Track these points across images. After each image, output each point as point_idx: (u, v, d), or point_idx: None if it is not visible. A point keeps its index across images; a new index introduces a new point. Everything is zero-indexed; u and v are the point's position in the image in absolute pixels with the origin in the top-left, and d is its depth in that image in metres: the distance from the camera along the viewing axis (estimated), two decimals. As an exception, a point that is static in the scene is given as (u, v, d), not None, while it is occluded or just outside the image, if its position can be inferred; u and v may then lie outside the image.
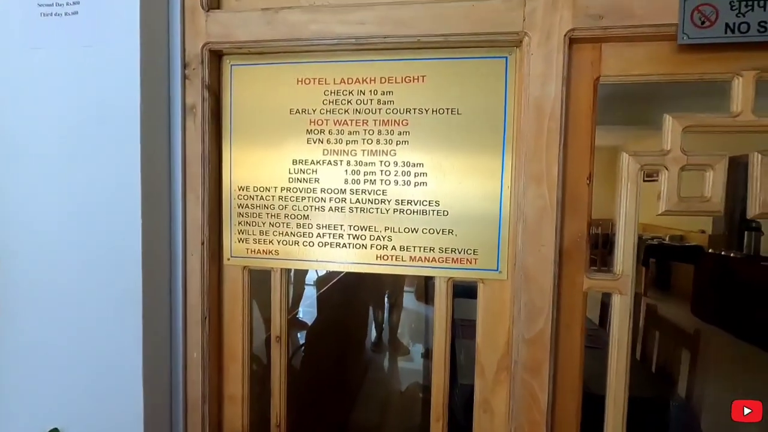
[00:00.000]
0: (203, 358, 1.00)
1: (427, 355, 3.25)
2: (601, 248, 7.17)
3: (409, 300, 4.03)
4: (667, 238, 6.64)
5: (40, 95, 0.88)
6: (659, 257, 6.28)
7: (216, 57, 0.99)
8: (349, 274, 2.94)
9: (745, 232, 4.84)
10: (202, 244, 0.99)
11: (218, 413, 1.06)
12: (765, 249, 4.71)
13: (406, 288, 4.03)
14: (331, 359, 2.42)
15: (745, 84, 0.82)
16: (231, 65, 1.00)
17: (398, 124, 0.95)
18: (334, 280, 2.63)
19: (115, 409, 0.92)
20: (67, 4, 0.87)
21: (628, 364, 0.90)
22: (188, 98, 0.96)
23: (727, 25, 0.78)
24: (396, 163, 0.95)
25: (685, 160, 0.85)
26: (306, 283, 3.60)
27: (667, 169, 0.85)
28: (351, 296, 2.89)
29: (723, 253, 4.95)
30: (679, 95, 0.90)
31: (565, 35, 0.83)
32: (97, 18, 0.87)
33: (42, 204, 0.89)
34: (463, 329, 2.15)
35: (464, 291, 1.26)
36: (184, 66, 0.96)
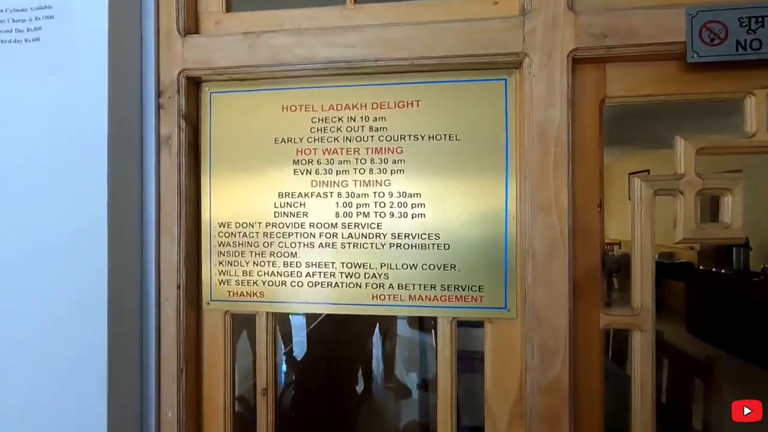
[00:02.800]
0: (179, 418, 0.89)
1: (424, 386, 3.11)
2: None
3: (401, 326, 3.89)
4: (657, 256, 6.66)
5: (3, 126, 0.79)
6: (651, 275, 6.27)
7: (194, 84, 0.92)
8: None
9: (733, 248, 4.87)
10: (178, 287, 0.89)
11: (197, 479, 0.94)
12: (753, 264, 4.74)
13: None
14: (324, 397, 2.28)
15: (758, 103, 0.78)
16: (210, 92, 0.92)
17: (392, 152, 0.88)
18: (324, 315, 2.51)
19: (74, 484, 0.79)
20: (28, 30, 0.79)
21: (654, 409, 0.82)
22: (163, 128, 0.88)
23: (738, 42, 0.74)
24: (391, 194, 0.87)
25: (702, 184, 0.79)
26: (296, 312, 3.46)
27: (682, 193, 0.80)
28: (343, 329, 2.77)
29: (713, 269, 4.96)
30: (688, 114, 0.87)
31: (567, 55, 0.78)
32: (61, 44, 0.79)
33: (-7, 250, 0.79)
34: (461, 362, 2.04)
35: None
36: (159, 94, 0.88)
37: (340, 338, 2.64)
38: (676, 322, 5.48)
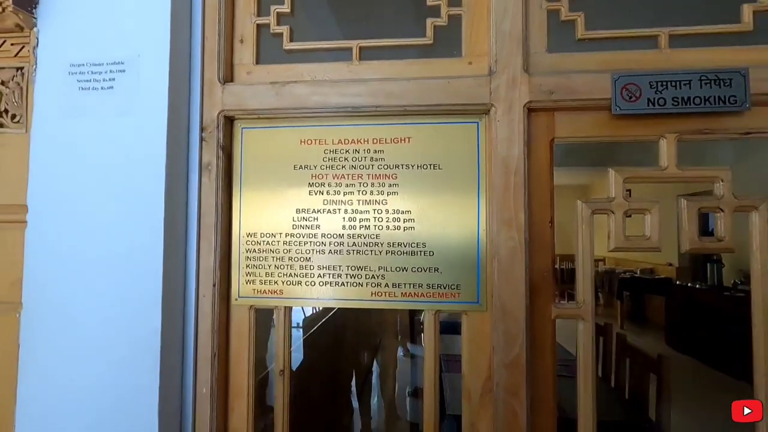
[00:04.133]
0: (212, 395, 1.08)
1: (414, 393, 3.27)
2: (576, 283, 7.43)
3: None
4: (638, 272, 6.93)
5: (76, 158, 1.00)
6: (632, 290, 6.53)
7: (229, 122, 1.14)
8: (337, 314, 3.01)
9: (708, 264, 5.15)
10: (214, 285, 1.09)
11: (223, 448, 1.12)
12: (726, 279, 5.00)
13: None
14: (319, 402, 2.44)
15: (668, 144, 1.02)
16: (242, 128, 1.15)
17: (388, 178, 1.10)
18: (323, 321, 2.70)
19: (129, 444, 0.98)
20: (104, 80, 1.01)
21: (594, 382, 1.03)
22: (205, 157, 1.10)
23: (648, 99, 0.99)
24: (387, 211, 1.09)
25: (627, 206, 1.03)
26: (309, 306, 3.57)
27: (613, 212, 1.03)
28: (340, 338, 2.94)
29: (689, 284, 5.23)
30: (624, 146, 1.10)
31: (524, 106, 1.02)
32: (130, 91, 1.01)
33: (72, 252, 0.99)
34: (447, 363, 2.24)
35: (446, 327, 1.39)
36: (202, 130, 1.11)
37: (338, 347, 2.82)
38: (656, 335, 5.71)
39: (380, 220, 1.10)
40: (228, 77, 1.14)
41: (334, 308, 3.07)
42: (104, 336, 0.99)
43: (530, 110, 1.03)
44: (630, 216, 1.03)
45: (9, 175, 1.04)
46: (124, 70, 1.02)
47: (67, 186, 1.00)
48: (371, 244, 1.10)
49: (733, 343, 3.97)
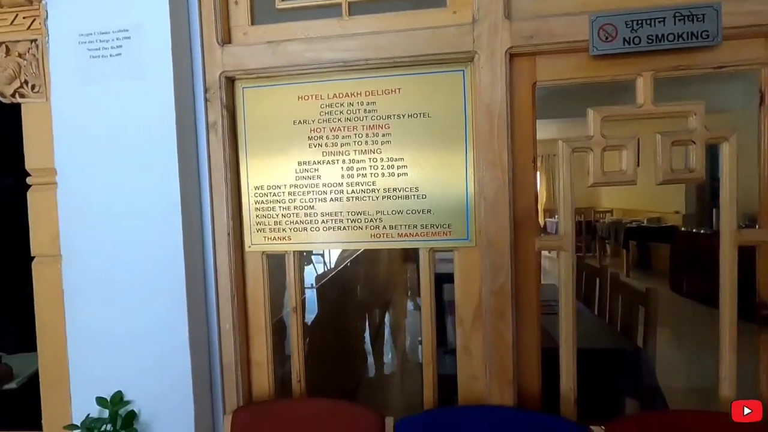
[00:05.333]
0: (234, 330, 1.22)
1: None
2: (585, 234, 7.52)
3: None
4: (645, 221, 6.97)
5: (95, 122, 1.10)
6: (639, 239, 6.59)
7: (230, 82, 1.21)
8: (348, 271, 3.15)
9: (713, 210, 5.17)
10: (228, 235, 1.21)
11: (248, 377, 1.28)
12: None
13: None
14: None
15: (645, 82, 1.08)
16: (243, 88, 1.22)
17: (381, 128, 1.18)
18: (333, 273, 2.85)
19: (167, 373, 1.13)
20: (112, 47, 1.09)
21: (574, 306, 1.14)
22: (210, 116, 1.19)
23: (624, 39, 1.03)
24: (382, 159, 1.18)
25: (605, 143, 1.10)
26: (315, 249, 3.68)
27: (592, 150, 1.10)
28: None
29: (694, 230, 5.28)
30: (606, 92, 1.15)
31: (506, 52, 1.08)
32: (136, 57, 1.09)
33: (101, 208, 1.10)
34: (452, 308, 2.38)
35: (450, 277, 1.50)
36: (206, 90, 1.18)
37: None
38: (662, 281, 5.84)
39: (375, 168, 1.19)
40: (226, 39, 1.20)
41: (343, 264, 3.23)
42: (135, 281, 1.12)
43: (512, 56, 1.09)
44: (606, 150, 1.10)
45: (36, 141, 1.14)
46: (129, 37, 1.09)
47: (89, 148, 1.10)
48: (368, 191, 1.19)
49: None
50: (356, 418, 1.15)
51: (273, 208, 1.24)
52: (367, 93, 1.18)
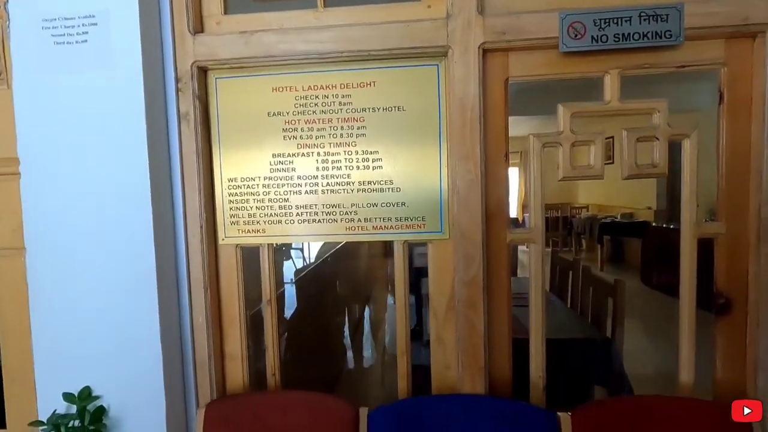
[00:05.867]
0: (207, 322, 1.21)
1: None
2: (561, 229, 7.70)
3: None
4: (618, 217, 7.17)
5: (60, 111, 1.06)
6: (612, 234, 6.79)
7: (203, 72, 1.19)
8: (327, 266, 3.15)
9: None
10: (201, 227, 1.19)
11: (222, 370, 1.27)
12: (699, 219, 5.23)
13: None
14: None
15: (612, 79, 1.11)
16: (216, 78, 1.21)
17: (356, 121, 1.18)
18: (312, 266, 2.84)
19: (138, 367, 1.11)
20: (77, 33, 1.06)
21: (544, 296, 1.18)
22: (182, 107, 1.17)
23: (592, 37, 1.06)
24: (357, 152, 1.19)
25: (574, 138, 1.13)
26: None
27: (561, 145, 1.13)
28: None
29: (664, 225, 5.47)
30: (577, 90, 1.19)
31: (479, 47, 1.09)
32: (103, 44, 1.06)
33: (67, 199, 1.07)
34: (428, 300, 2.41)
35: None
36: (177, 80, 1.16)
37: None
38: (633, 274, 6.04)
39: (350, 161, 1.19)
40: (198, 28, 1.18)
41: (322, 259, 3.22)
42: (104, 273, 1.09)
43: (485, 51, 1.11)
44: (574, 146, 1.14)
45: (1, 128, 1.10)
46: (96, 23, 1.06)
47: (54, 138, 1.07)
48: (343, 184, 1.19)
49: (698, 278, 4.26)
50: (330, 409, 1.16)
51: (247, 201, 1.23)
52: (342, 86, 1.18)
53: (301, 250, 5.31)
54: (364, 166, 1.19)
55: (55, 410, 1.08)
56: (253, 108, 1.20)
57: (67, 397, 1.08)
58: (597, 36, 1.06)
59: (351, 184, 1.19)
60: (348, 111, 1.18)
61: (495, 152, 1.15)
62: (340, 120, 1.18)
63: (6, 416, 1.17)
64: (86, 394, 1.10)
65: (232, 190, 1.23)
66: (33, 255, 1.09)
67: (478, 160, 1.11)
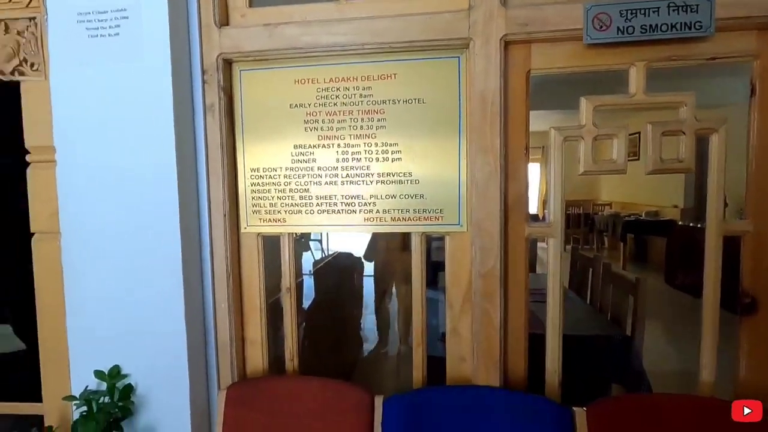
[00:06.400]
0: (229, 308, 1.25)
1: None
2: (583, 226, 7.55)
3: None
4: (643, 215, 6.99)
5: (93, 102, 1.11)
6: (636, 232, 6.62)
7: (228, 64, 1.22)
8: (344, 258, 3.18)
9: (711, 204, 5.19)
10: (224, 216, 1.23)
11: (242, 354, 1.31)
12: (728, 218, 5.05)
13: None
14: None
15: (637, 72, 1.09)
16: (240, 70, 1.23)
17: (377, 113, 1.19)
18: (329, 258, 2.88)
19: (164, 348, 1.16)
20: (110, 27, 1.10)
21: (561, 291, 1.17)
22: (207, 98, 1.20)
23: (618, 28, 1.04)
24: (376, 144, 1.20)
25: (596, 132, 1.11)
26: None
27: (583, 139, 1.12)
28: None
29: (691, 224, 5.30)
30: (604, 83, 1.16)
31: (500, 39, 1.09)
32: (134, 37, 1.10)
33: (99, 187, 1.12)
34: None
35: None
36: (203, 72, 1.19)
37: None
38: (657, 274, 5.89)
39: (370, 152, 1.20)
40: (224, 21, 1.21)
41: (338, 252, 3.25)
42: (132, 258, 1.14)
43: (507, 43, 1.10)
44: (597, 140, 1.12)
45: (35, 119, 1.16)
46: (127, 17, 1.09)
47: (88, 127, 1.12)
48: (363, 175, 1.21)
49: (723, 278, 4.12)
50: (347, 395, 1.19)
51: (269, 191, 1.25)
52: (363, 78, 1.19)
53: (320, 241, 5.37)
54: (383, 158, 1.20)
55: (87, 386, 1.14)
56: (275, 99, 1.23)
57: (98, 374, 1.14)
58: (623, 27, 1.04)
59: (370, 175, 1.21)
60: (368, 103, 1.19)
61: (515, 145, 1.14)
62: (360, 112, 1.20)
63: (42, 391, 1.24)
64: (115, 373, 1.15)
65: (255, 180, 1.26)
66: (68, 239, 1.15)
67: (497, 153, 1.11)
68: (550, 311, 1.17)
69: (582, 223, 7.55)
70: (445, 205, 1.18)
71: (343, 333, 2.97)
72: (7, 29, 1.14)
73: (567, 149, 1.14)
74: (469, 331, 1.20)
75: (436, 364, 1.26)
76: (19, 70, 1.15)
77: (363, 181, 1.21)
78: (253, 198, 1.26)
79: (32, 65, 1.15)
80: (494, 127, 1.10)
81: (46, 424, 1.22)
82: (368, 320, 3.77)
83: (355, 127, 1.20)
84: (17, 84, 1.16)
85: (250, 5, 1.22)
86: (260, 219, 1.27)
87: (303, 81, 1.21)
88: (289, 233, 1.27)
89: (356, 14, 1.16)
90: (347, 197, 1.22)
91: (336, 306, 2.96)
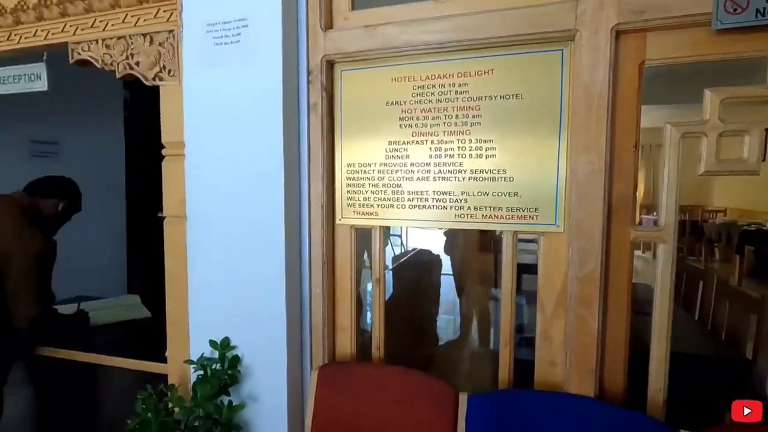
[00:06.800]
0: (323, 294, 1.34)
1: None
2: (689, 235, 6.72)
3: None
4: (767, 225, 6.05)
5: (216, 103, 1.25)
6: (757, 244, 5.76)
7: (330, 65, 1.30)
8: (421, 257, 3.20)
9: None
10: (321, 207, 1.31)
11: (333, 339, 1.39)
12: None
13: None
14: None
15: (779, 59, 0.95)
16: (341, 71, 1.31)
17: (472, 110, 1.19)
18: (407, 256, 2.92)
19: (267, 326, 1.28)
20: (233, 35, 1.23)
21: (671, 303, 1.07)
22: (311, 98, 1.29)
23: (757, 10, 0.92)
24: (470, 141, 1.20)
25: (723, 127, 1.00)
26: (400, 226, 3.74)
27: (706, 135, 1.01)
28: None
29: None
30: (720, 77, 1.03)
31: (611, 29, 1.02)
32: (252, 43, 1.22)
33: (218, 178, 1.27)
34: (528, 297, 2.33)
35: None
36: (309, 73, 1.29)
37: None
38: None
39: (464, 149, 1.20)
40: (328, 24, 1.29)
41: (416, 248, 3.28)
42: (243, 243, 1.27)
43: (618, 33, 1.03)
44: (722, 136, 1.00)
45: (170, 118, 1.34)
46: (247, 25, 1.22)
47: (211, 125, 1.27)
48: (455, 172, 1.22)
49: None
50: (431, 388, 1.21)
51: (363, 185, 1.31)
52: (460, 74, 1.20)
53: (399, 236, 5.46)
54: (476, 154, 1.19)
55: (203, 353, 1.30)
56: (373, 98, 1.28)
57: (212, 343, 1.29)
58: (763, 9, 0.92)
59: (462, 172, 1.21)
60: (464, 99, 1.19)
61: (622, 142, 1.07)
62: (455, 108, 1.20)
63: (167, 353, 1.43)
64: (226, 344, 1.30)
65: (350, 175, 1.33)
66: (192, 223, 1.31)
67: (602, 151, 1.05)
68: (657, 323, 1.08)
69: (687, 230, 6.74)
70: (540, 203, 1.15)
71: (419, 329, 2.99)
72: (151, 41, 1.33)
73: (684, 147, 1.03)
74: (561, 336, 1.15)
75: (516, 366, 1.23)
76: (159, 76, 1.34)
77: (455, 177, 1.22)
78: (348, 192, 1.33)
79: (169, 71, 1.32)
80: (600, 123, 1.04)
81: (169, 383, 1.41)
82: (441, 319, 3.76)
83: (449, 124, 1.21)
84: (158, 87, 1.35)
85: (353, 8, 1.29)
86: (354, 212, 1.33)
87: (399, 79, 1.25)
88: (380, 226, 1.32)
89: (454, 11, 1.16)
90: (439, 193, 1.24)
91: (413, 302, 3.00)
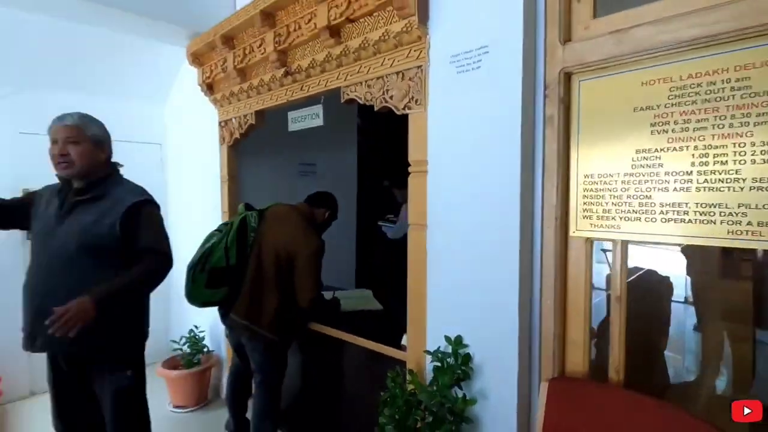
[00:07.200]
0: (554, 306, 1.33)
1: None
2: None
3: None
4: None
5: (456, 124, 1.41)
6: None
7: (567, 77, 1.30)
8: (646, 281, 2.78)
9: None
10: (556, 219, 1.31)
11: (562, 351, 1.37)
12: None
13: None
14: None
15: None
16: (579, 81, 1.29)
17: (755, 107, 1.01)
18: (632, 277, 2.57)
19: (498, 330, 1.35)
20: (473, 62, 1.36)
21: None
22: (548, 111, 1.31)
23: None
24: (752, 144, 1.01)
25: None
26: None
27: None
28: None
29: None
30: None
31: None
32: (492, 67, 1.33)
33: (458, 191, 1.42)
34: None
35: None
36: (545, 87, 1.32)
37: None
38: None
39: (742, 153, 1.03)
40: (567, 37, 1.29)
41: (640, 267, 2.85)
42: (479, 250, 1.38)
43: None
44: None
45: (416, 140, 1.57)
46: (488, 52, 1.33)
47: (452, 144, 1.43)
48: (729, 180, 1.05)
49: None
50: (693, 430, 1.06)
51: (602, 196, 1.26)
52: (737, 68, 1.03)
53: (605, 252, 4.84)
54: (761, 159, 1.00)
55: (439, 347, 1.46)
56: (616, 105, 1.22)
57: (447, 339, 1.44)
58: None
59: (740, 180, 1.03)
60: (743, 96, 1.02)
61: None
62: (730, 108, 1.04)
63: (407, 342, 1.66)
64: (458, 341, 1.43)
65: (588, 186, 1.29)
66: (432, 231, 1.50)
67: None
68: None
69: None
70: None
71: (647, 361, 2.60)
72: (403, 77, 1.59)
73: None
74: None
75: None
76: (408, 106, 1.58)
77: (729, 187, 1.05)
78: (584, 203, 1.30)
79: (416, 100, 1.55)
80: None
81: (407, 368, 1.63)
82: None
83: (720, 126, 1.06)
84: (406, 116, 1.60)
85: (594, 16, 1.26)
86: (591, 224, 1.29)
87: (652, 82, 1.16)
88: (622, 240, 1.24)
89: (732, -3, 1.01)
90: (703, 205, 1.09)
91: (639, 329, 2.62)
